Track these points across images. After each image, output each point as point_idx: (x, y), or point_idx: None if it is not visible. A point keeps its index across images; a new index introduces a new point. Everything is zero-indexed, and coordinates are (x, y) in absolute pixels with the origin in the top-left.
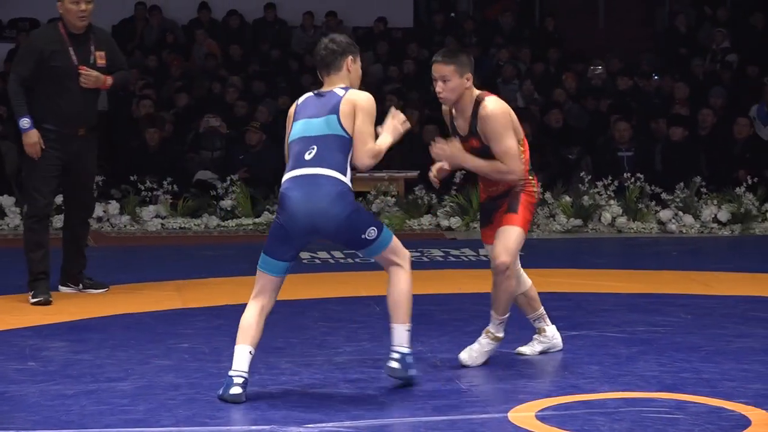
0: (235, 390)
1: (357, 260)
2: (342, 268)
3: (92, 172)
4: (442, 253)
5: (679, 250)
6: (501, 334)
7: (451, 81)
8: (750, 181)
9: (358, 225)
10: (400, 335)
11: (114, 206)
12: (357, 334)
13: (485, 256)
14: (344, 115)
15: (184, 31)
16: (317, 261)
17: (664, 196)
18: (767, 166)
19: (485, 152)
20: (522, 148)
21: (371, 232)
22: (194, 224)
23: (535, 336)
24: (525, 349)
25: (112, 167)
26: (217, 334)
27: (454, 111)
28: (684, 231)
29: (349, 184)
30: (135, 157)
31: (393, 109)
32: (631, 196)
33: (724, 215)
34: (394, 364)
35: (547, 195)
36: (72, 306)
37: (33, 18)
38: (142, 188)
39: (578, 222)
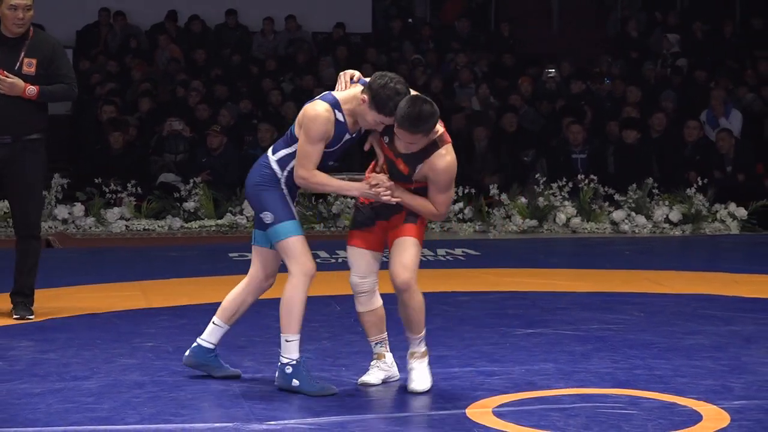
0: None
1: (317, 260)
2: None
3: (31, 183)
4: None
5: (632, 250)
6: (424, 348)
7: (417, 144)
8: (700, 183)
9: (259, 201)
10: (285, 345)
11: (79, 208)
12: (318, 332)
13: (461, 256)
14: (297, 123)
15: (147, 37)
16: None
17: (617, 197)
18: (716, 167)
19: (407, 179)
20: None
21: (266, 216)
22: (158, 226)
23: (374, 362)
24: (369, 379)
25: (77, 170)
26: (180, 333)
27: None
28: (636, 231)
29: (274, 165)
30: (99, 160)
31: (374, 176)
32: (584, 197)
33: (675, 216)
34: (277, 373)
35: (504, 196)
36: (38, 306)
37: (38, 24)
38: (107, 190)
39: (534, 223)
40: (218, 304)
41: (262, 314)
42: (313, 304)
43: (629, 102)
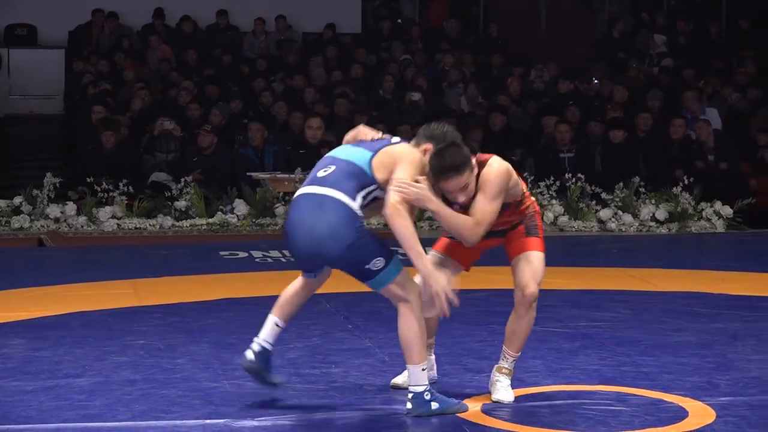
0: (247, 353)
1: None
2: (293, 267)
3: None
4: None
5: (619, 248)
6: (512, 368)
7: (470, 183)
8: (686, 181)
9: (364, 253)
10: (413, 375)
11: (71, 207)
12: (308, 330)
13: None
14: (378, 160)
15: (139, 37)
16: (269, 260)
17: (604, 195)
18: (698, 157)
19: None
20: (524, 192)
21: (377, 263)
22: (149, 224)
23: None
24: (398, 380)
25: (69, 169)
26: (171, 331)
27: None
28: (623, 229)
29: (359, 213)
30: (91, 160)
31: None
32: (572, 196)
33: (661, 214)
34: (408, 405)
35: None
36: (30, 304)
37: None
38: (99, 190)
39: None
40: (210, 302)
41: (253, 313)
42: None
43: (612, 102)
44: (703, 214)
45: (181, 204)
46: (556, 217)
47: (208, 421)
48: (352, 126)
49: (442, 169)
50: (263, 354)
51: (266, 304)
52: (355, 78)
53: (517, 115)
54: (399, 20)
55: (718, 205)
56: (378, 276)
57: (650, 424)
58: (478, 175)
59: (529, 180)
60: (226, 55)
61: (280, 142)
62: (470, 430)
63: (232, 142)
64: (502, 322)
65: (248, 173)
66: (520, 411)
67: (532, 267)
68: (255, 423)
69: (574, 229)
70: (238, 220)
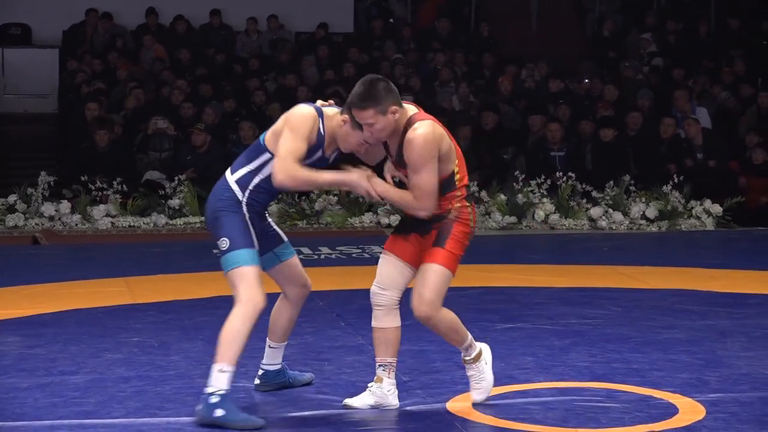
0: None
1: (300, 257)
2: None
3: None
4: (382, 250)
5: (610, 246)
6: (476, 351)
7: (376, 123)
8: (677, 179)
9: (217, 227)
10: (213, 374)
11: (65, 206)
12: (301, 327)
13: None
14: (272, 132)
15: (133, 36)
16: None
17: (594, 194)
18: (688, 155)
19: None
20: (457, 176)
21: (222, 243)
22: (143, 223)
23: (371, 385)
24: (353, 402)
25: (64, 168)
26: (165, 329)
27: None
28: (614, 227)
29: (234, 186)
30: (85, 158)
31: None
32: (563, 194)
33: (651, 212)
34: (198, 407)
35: (484, 194)
36: (25, 301)
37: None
38: (93, 188)
39: (513, 219)
40: (204, 299)
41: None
42: None
43: (602, 101)
44: (693, 212)
45: (174, 202)
46: (547, 216)
47: None
48: None
49: (351, 97)
50: (265, 376)
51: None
52: (348, 77)
53: (509, 114)
54: (391, 20)
55: (707, 203)
56: (221, 258)
57: (641, 420)
58: (405, 133)
59: (521, 178)
60: (219, 54)
61: None
62: (461, 426)
63: (225, 141)
64: (493, 320)
65: None
66: (511, 407)
67: (425, 286)
68: None
69: (564, 227)
70: None
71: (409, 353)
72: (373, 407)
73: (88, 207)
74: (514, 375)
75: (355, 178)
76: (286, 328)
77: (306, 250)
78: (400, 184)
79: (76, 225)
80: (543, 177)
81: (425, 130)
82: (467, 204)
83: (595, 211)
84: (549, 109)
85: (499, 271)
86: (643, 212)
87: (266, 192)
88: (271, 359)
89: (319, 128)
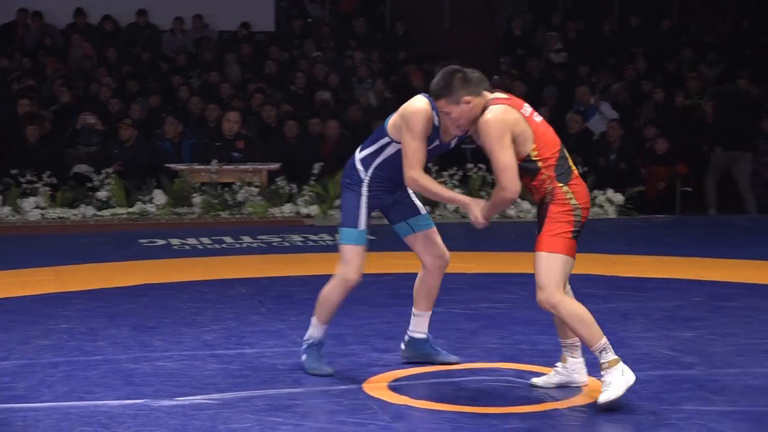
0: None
1: (223, 246)
2: (209, 253)
3: None
4: (302, 239)
5: (518, 234)
6: (609, 358)
7: (451, 113)
8: (581, 171)
9: (341, 200)
10: (311, 326)
11: None
12: (223, 313)
13: (297, 242)
14: (393, 123)
15: (63, 35)
16: (187, 247)
17: None
18: (602, 155)
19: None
20: (536, 157)
21: (342, 218)
22: (72, 214)
23: (557, 365)
24: (538, 381)
25: None
26: (93, 316)
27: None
28: (522, 216)
29: (359, 165)
30: (16, 152)
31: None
32: (473, 184)
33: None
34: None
35: None
36: None
37: None
38: (23, 181)
39: (427, 208)
40: (130, 287)
41: (171, 297)
42: (219, 287)
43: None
44: (596, 201)
45: (102, 194)
46: None
47: (128, 401)
48: (266, 120)
49: (429, 88)
50: (410, 343)
51: (184, 289)
52: (269, 74)
53: None
54: (309, 19)
55: (610, 192)
56: (339, 231)
57: (547, 398)
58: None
59: (434, 170)
60: (145, 52)
61: (196, 136)
62: (376, 406)
63: (151, 136)
64: (407, 305)
65: (166, 165)
66: (424, 388)
67: (537, 273)
68: (173, 403)
69: None
70: (157, 209)
71: (327, 337)
72: (558, 385)
73: (18, 199)
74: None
75: (471, 203)
76: (427, 296)
77: (228, 239)
78: None
79: (7, 217)
80: (455, 168)
81: (491, 115)
82: (560, 184)
83: None
84: None
85: (414, 258)
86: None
87: (390, 167)
88: (416, 327)
89: (433, 121)
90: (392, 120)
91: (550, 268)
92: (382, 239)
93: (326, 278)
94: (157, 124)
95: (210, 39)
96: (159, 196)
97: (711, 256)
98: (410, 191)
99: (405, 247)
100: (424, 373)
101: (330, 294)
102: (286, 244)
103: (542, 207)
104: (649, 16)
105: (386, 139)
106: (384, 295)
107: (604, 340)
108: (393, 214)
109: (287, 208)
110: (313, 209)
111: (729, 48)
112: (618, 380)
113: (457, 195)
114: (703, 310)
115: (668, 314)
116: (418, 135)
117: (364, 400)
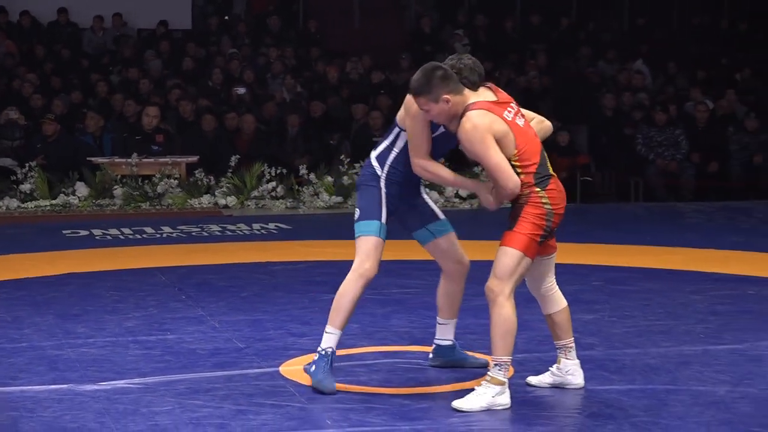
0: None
1: (144, 236)
2: (131, 243)
3: None
4: (219, 229)
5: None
6: (496, 377)
7: (430, 111)
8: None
9: (358, 198)
10: (324, 335)
11: None
12: (145, 301)
13: (274, 230)
14: (399, 116)
15: None
16: (108, 237)
17: None
18: None
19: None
20: (517, 162)
21: (356, 212)
22: None
23: (552, 367)
24: (531, 379)
25: None
26: (18, 305)
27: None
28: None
29: (374, 162)
30: None
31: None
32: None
33: (464, 191)
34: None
35: (312, 176)
36: None
37: None
38: None
39: (339, 199)
40: (54, 276)
41: (94, 286)
42: (140, 275)
43: None
44: None
45: (26, 187)
46: None
47: (52, 386)
48: (184, 114)
49: (410, 83)
50: (437, 350)
51: (106, 278)
52: (186, 70)
53: (335, 103)
54: (226, 17)
55: None
56: (355, 225)
57: (458, 378)
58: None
59: (346, 162)
60: (65, 49)
61: (117, 130)
62: (293, 389)
63: (73, 130)
64: (322, 291)
65: (88, 158)
66: (338, 370)
67: (496, 262)
68: (96, 387)
69: None
70: (80, 201)
71: (246, 322)
72: (553, 386)
73: None
74: (342, 341)
75: (480, 187)
76: (451, 304)
77: (149, 230)
78: None
79: None
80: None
81: (469, 124)
82: (537, 189)
83: None
84: (371, 99)
85: (327, 246)
86: (457, 191)
87: (404, 163)
88: (442, 334)
89: None
90: (401, 109)
91: (511, 264)
92: (295, 230)
93: (244, 266)
94: (78, 119)
95: (129, 36)
96: (81, 189)
97: (609, 243)
98: (427, 198)
99: (317, 236)
100: (339, 356)
101: (348, 292)
102: (205, 234)
103: (516, 206)
104: (549, 14)
105: (396, 130)
106: (299, 282)
107: (509, 360)
108: (411, 221)
109: (205, 200)
110: (231, 200)
111: (624, 45)
112: (486, 398)
113: (465, 179)
114: (603, 294)
115: (570, 298)
116: (421, 123)
117: (281, 382)
